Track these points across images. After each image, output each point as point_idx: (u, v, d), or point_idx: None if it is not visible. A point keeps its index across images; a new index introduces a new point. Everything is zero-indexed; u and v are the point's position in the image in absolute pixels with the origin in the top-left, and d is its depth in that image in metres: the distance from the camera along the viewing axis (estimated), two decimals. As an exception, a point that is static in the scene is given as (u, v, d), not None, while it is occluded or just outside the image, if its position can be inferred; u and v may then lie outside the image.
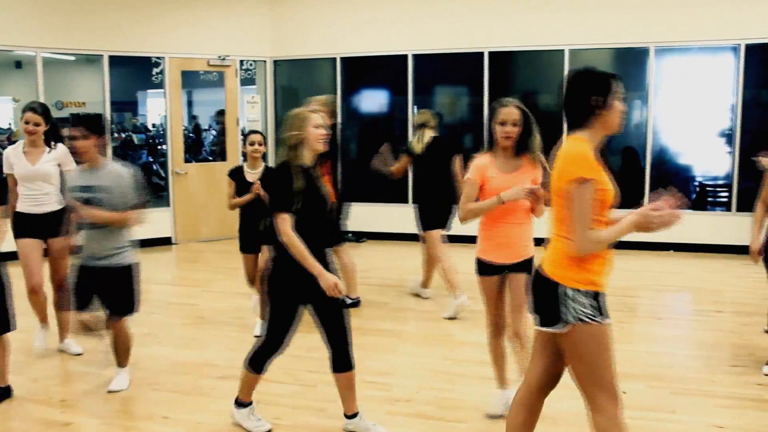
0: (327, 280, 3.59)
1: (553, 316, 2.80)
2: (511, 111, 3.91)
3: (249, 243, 5.59)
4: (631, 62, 9.63)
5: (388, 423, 4.01)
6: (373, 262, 8.77)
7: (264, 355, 3.86)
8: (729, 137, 9.32)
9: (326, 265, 3.70)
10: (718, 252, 8.92)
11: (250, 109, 10.64)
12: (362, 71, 10.58)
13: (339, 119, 8.40)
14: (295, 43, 10.52)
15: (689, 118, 9.51)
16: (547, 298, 2.82)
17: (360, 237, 10.10)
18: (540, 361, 3.03)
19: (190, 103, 12.47)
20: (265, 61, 10.73)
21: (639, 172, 9.42)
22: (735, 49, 9.03)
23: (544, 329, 2.88)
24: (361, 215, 10.21)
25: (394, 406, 4.25)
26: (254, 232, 5.38)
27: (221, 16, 10.29)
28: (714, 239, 9.06)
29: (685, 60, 9.52)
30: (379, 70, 10.47)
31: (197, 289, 7.44)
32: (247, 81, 10.88)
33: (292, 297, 3.73)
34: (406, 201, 10.20)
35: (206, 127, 12.69)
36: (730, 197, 9.31)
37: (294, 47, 10.53)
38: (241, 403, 3.97)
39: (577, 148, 2.76)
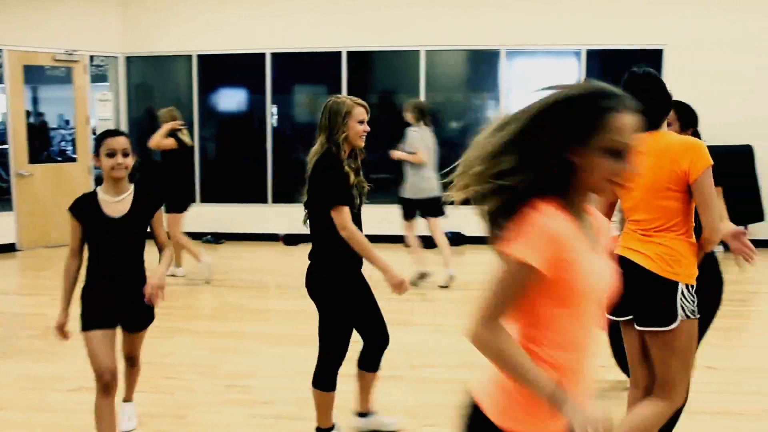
0: (394, 276, 3.41)
1: (669, 316, 2.78)
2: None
3: (105, 314, 3.40)
4: (484, 64, 10.01)
5: (249, 426, 3.97)
6: (232, 263, 8.63)
7: (335, 370, 3.53)
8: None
9: (360, 264, 3.54)
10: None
11: (101, 108, 10.17)
12: (219, 69, 10.38)
13: None
14: (149, 38, 10.16)
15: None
16: (664, 298, 2.78)
17: (219, 238, 9.90)
18: (645, 365, 2.99)
19: (35, 100, 11.74)
20: (117, 57, 10.29)
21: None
22: (577, 54, 9.60)
23: (654, 329, 2.83)
24: (219, 216, 10.04)
25: (255, 409, 4.20)
26: (117, 297, 3.41)
27: (68, 7, 9.76)
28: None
29: (534, 63, 10.01)
30: (237, 68, 10.31)
31: (46, 297, 7.02)
32: (99, 78, 10.40)
33: (352, 300, 3.50)
34: (265, 201, 10.12)
35: (54, 126, 12.00)
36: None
37: (148, 43, 10.17)
38: (325, 430, 3.65)
39: (690, 138, 2.85)
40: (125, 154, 3.33)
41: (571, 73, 9.71)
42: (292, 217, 10.66)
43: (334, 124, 3.42)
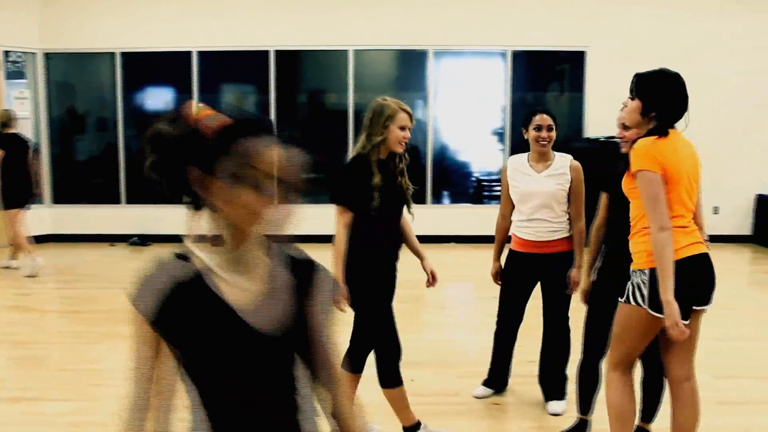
0: (340, 293, 3.38)
1: None
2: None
3: None
4: (411, 63, 10.09)
5: (181, 430, 3.89)
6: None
7: (394, 365, 3.54)
8: (501, 135, 10.07)
9: (393, 266, 3.54)
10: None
11: (18, 106, 9.81)
12: (144, 68, 10.13)
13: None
14: (69, 34, 9.85)
15: (466, 117, 10.14)
16: None
17: (145, 240, 9.68)
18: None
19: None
20: (35, 53, 9.94)
21: (421, 169, 9.89)
22: (503, 55, 9.78)
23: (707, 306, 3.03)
24: (145, 217, 9.84)
25: (184, 414, 4.12)
26: None
27: (-19, 3, 9.39)
28: (491, 230, 9.74)
29: (461, 63, 10.15)
30: (163, 67, 10.09)
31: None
32: (16, 74, 10.02)
33: (378, 298, 3.49)
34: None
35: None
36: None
37: (68, 40, 9.86)
38: (410, 428, 3.59)
39: None
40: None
41: (498, 74, 9.88)
42: (221, 218, 10.55)
43: (375, 125, 3.40)
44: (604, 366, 3.18)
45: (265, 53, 9.74)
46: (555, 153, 4.03)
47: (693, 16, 9.68)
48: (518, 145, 9.70)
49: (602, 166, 3.77)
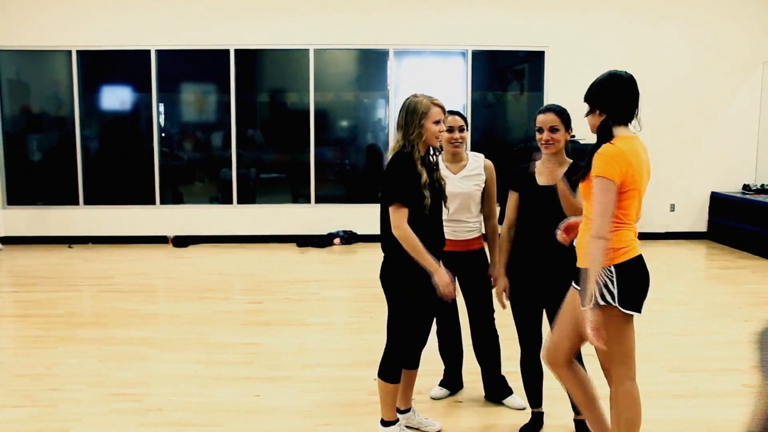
0: (441, 277, 3.38)
1: None
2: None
3: None
4: (372, 63, 10.10)
5: (139, 435, 3.85)
6: (118, 267, 8.35)
7: (400, 363, 3.56)
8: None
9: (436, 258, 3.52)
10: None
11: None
12: (102, 66, 9.97)
13: None
14: (22, 31, 9.63)
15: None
16: None
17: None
18: None
19: None
20: (-14, 51, 9.73)
21: (381, 168, 9.91)
22: (463, 54, 9.85)
23: None
24: (104, 218, 9.71)
25: (147, 417, 4.09)
26: None
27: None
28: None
29: (422, 62, 10.19)
30: (121, 65, 9.93)
31: None
32: (-35, 72, 9.80)
33: (422, 295, 3.48)
34: (153, 202, 9.86)
35: None
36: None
37: (21, 36, 9.65)
38: (389, 423, 3.63)
39: None
40: None
41: (458, 73, 9.95)
42: (181, 218, 10.49)
43: (410, 123, 3.45)
44: (608, 383, 3.11)
45: (226, 52, 9.67)
46: (467, 153, 4.13)
47: (649, 18, 9.85)
48: (478, 144, 9.80)
49: (515, 166, 3.83)
